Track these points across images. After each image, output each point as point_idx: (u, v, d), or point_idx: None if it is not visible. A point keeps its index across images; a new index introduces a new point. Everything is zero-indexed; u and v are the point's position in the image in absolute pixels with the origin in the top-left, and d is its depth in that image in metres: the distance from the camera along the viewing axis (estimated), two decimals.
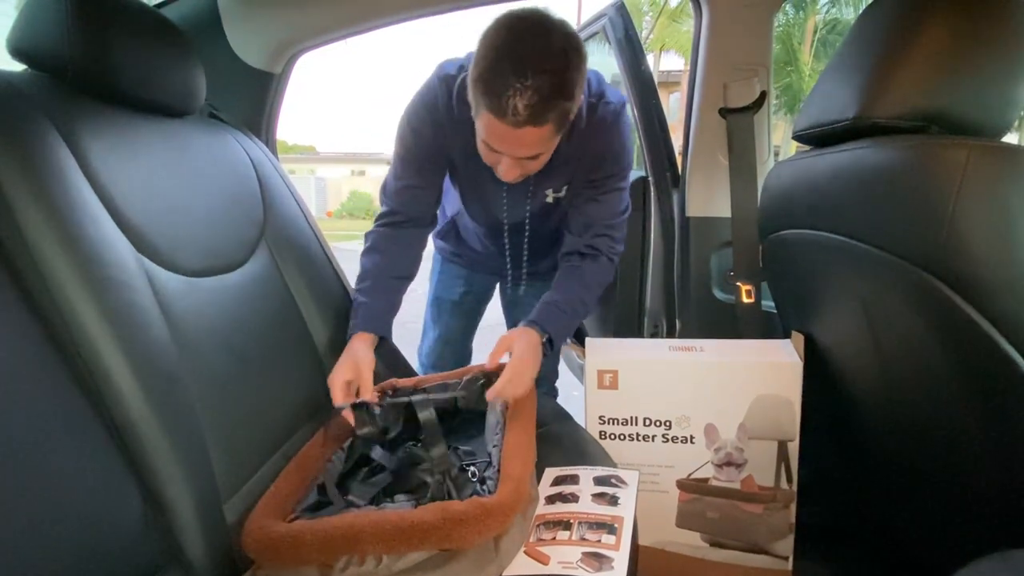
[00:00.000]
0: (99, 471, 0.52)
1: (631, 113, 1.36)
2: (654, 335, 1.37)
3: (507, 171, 0.86)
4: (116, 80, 0.69)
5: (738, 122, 1.21)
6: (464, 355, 1.43)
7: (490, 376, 0.91)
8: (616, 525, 0.66)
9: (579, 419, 1.00)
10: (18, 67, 0.68)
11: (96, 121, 0.66)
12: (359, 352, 0.87)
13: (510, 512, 0.61)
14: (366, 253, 0.99)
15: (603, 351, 1.00)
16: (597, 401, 0.98)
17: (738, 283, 1.21)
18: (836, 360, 0.89)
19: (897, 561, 0.93)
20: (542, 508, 0.72)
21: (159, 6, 1.01)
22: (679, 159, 1.34)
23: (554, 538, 0.65)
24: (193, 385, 0.63)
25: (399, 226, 1.00)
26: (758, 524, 0.98)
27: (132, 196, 0.65)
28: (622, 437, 0.98)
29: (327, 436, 0.81)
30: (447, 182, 1.08)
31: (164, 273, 0.66)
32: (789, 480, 0.96)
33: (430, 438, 0.76)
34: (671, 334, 1.35)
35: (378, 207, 1.03)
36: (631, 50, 1.35)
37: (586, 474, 0.77)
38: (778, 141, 8.23)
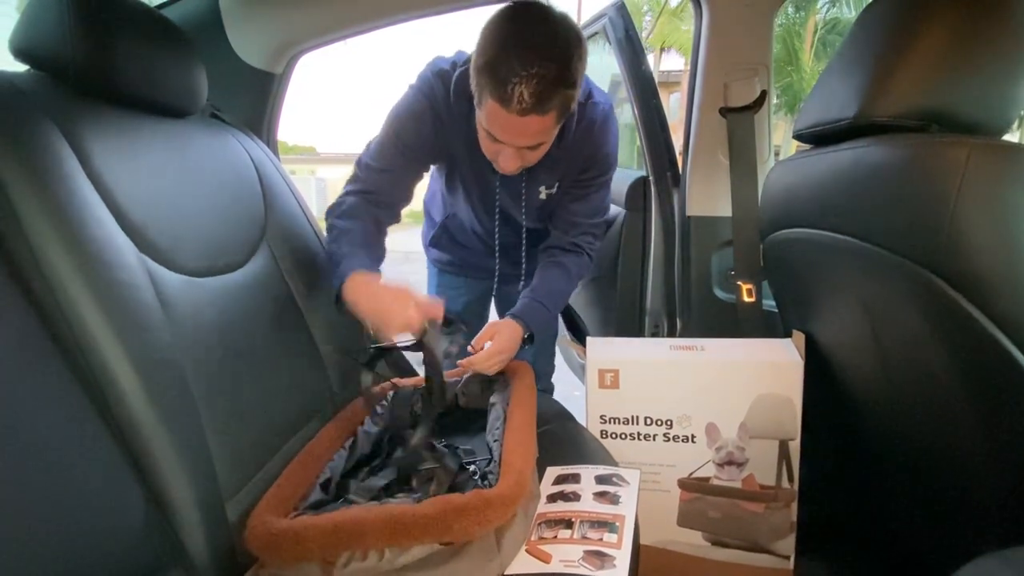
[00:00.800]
0: (101, 470, 0.52)
1: (632, 113, 1.36)
2: (655, 334, 1.37)
3: (507, 162, 0.86)
4: (118, 80, 0.69)
5: (739, 121, 1.20)
6: None
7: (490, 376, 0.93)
8: (618, 524, 0.66)
9: (580, 418, 1.00)
10: (20, 68, 0.68)
11: (98, 121, 0.66)
12: (377, 284, 0.81)
13: (511, 503, 0.61)
14: (343, 216, 0.91)
15: (604, 350, 1.00)
16: (598, 400, 0.98)
17: (739, 282, 1.21)
18: (837, 359, 0.89)
19: (897, 560, 0.93)
20: (544, 507, 0.72)
21: (160, 7, 1.02)
22: (679, 159, 1.34)
23: (556, 536, 0.66)
24: (195, 385, 0.63)
25: (376, 205, 0.94)
26: (759, 523, 0.98)
27: (134, 196, 0.65)
28: (623, 436, 0.98)
29: (330, 434, 0.81)
30: (436, 187, 1.07)
31: (166, 273, 0.66)
32: (790, 479, 0.96)
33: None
34: (672, 333, 1.35)
35: None
36: (631, 50, 1.35)
37: (587, 473, 0.78)
38: (778, 141, 8.22)
